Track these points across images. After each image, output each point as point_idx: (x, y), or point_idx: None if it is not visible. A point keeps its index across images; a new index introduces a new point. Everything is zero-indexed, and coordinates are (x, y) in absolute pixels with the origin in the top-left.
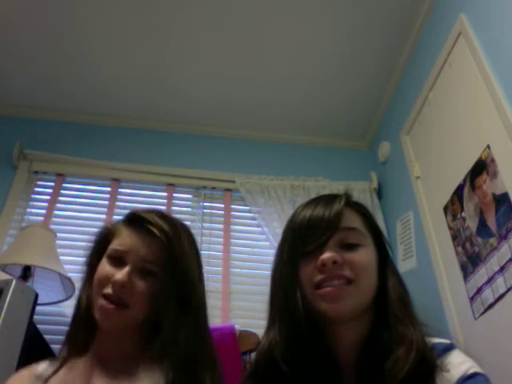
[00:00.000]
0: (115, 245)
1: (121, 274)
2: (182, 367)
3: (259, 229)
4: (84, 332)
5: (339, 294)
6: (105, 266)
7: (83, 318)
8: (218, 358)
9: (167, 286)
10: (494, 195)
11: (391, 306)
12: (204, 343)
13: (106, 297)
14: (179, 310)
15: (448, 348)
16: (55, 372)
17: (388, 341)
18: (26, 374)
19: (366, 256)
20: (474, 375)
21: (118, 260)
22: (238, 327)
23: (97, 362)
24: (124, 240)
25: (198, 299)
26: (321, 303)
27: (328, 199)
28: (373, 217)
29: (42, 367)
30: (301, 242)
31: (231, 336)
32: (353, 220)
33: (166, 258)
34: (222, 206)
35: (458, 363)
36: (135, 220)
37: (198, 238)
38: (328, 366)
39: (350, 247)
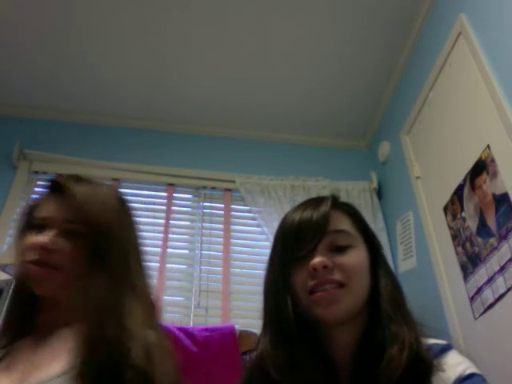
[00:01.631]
0: (35, 213)
1: (42, 237)
2: (93, 326)
3: (259, 229)
4: (22, 311)
5: (332, 297)
6: (28, 237)
7: (19, 298)
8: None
9: (82, 243)
10: (494, 195)
11: (383, 305)
12: (121, 304)
13: (34, 263)
14: (91, 266)
15: (445, 349)
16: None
17: (382, 341)
18: None
19: (356, 258)
20: (471, 376)
21: (41, 229)
22: (238, 327)
23: (41, 335)
24: (42, 207)
25: (118, 258)
26: (316, 308)
27: (315, 202)
28: (362, 216)
29: None
30: (291, 247)
31: (231, 336)
32: (341, 222)
33: (83, 218)
34: (222, 206)
35: (455, 364)
36: (51, 187)
37: (197, 238)
38: (324, 370)
39: (340, 250)
